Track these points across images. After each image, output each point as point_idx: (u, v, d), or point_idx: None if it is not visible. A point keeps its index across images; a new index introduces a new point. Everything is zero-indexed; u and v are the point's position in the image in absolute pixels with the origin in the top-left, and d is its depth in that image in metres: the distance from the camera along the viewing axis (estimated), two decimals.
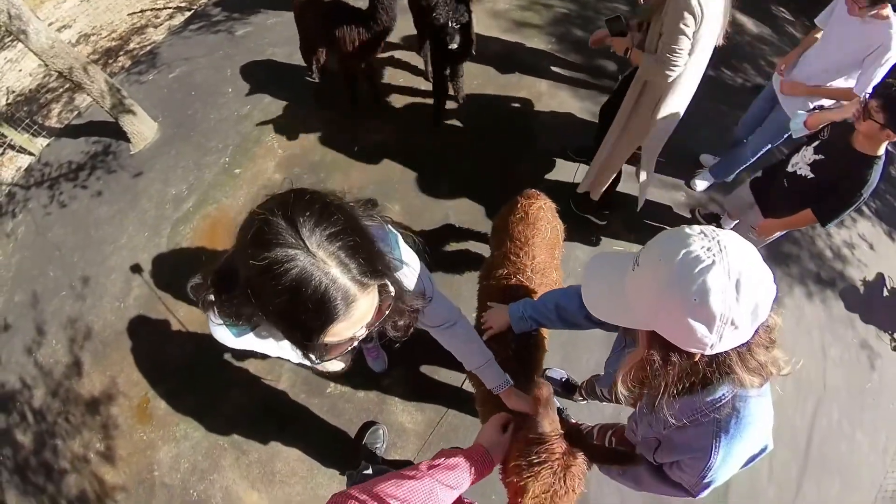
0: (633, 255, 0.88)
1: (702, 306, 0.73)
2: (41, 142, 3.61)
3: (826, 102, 2.42)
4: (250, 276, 0.70)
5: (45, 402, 2.59)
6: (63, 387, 2.62)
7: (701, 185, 3.17)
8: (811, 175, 2.08)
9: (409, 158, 3.24)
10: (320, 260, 0.68)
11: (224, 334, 0.93)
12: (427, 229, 2.93)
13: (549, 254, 1.88)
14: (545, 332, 1.76)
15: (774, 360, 0.86)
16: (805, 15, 4.46)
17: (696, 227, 0.80)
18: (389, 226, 1.04)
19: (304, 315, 0.70)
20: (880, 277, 3.14)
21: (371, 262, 0.74)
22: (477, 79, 3.57)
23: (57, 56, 2.85)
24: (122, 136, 3.34)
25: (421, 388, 2.49)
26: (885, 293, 3.10)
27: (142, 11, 4.25)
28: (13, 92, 4.16)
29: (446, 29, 2.52)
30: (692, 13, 1.78)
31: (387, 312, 0.83)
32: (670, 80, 2.01)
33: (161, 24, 4.15)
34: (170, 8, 4.23)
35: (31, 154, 3.57)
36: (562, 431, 1.11)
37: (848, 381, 2.74)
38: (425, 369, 2.53)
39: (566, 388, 2.45)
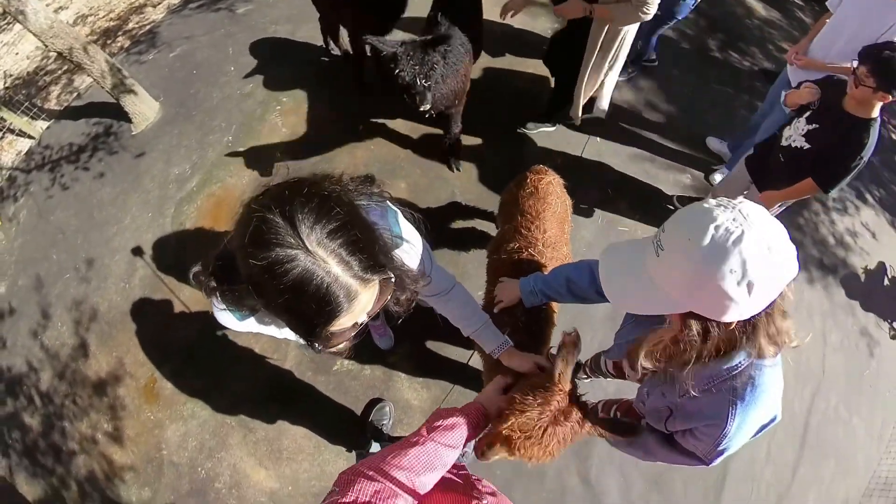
0: (649, 240, 0.87)
1: (742, 276, 0.74)
2: (41, 125, 3.56)
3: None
4: (251, 273, 0.70)
5: (52, 384, 2.59)
6: (70, 369, 2.62)
7: (720, 178, 3.14)
8: (807, 145, 2.07)
9: (414, 136, 3.22)
10: (321, 259, 0.67)
11: (228, 318, 0.94)
12: (433, 207, 2.92)
13: (559, 228, 1.88)
14: (555, 306, 1.76)
15: (787, 329, 0.87)
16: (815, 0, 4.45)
17: (712, 200, 0.80)
18: (388, 202, 1.03)
19: (308, 312, 0.70)
20: (882, 266, 3.17)
21: (373, 256, 0.74)
22: (482, 58, 3.52)
23: (56, 36, 2.81)
24: (123, 116, 3.30)
25: (427, 365, 2.50)
26: (886, 282, 3.13)
27: None
28: (11, 75, 4.11)
29: (414, 88, 2.03)
30: None
31: (388, 299, 0.83)
32: (649, 17, 2.14)
33: (160, 3, 4.07)
34: None
35: (31, 137, 3.53)
36: (569, 390, 1.10)
37: (847, 367, 2.77)
38: (431, 345, 2.53)
39: None
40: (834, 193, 2.11)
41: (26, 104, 3.52)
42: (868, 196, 3.43)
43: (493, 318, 1.42)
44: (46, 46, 2.92)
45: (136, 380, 2.55)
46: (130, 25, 3.96)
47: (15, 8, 2.63)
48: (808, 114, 2.08)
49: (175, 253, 2.84)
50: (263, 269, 0.67)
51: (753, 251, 0.73)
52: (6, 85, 4.04)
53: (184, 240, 2.88)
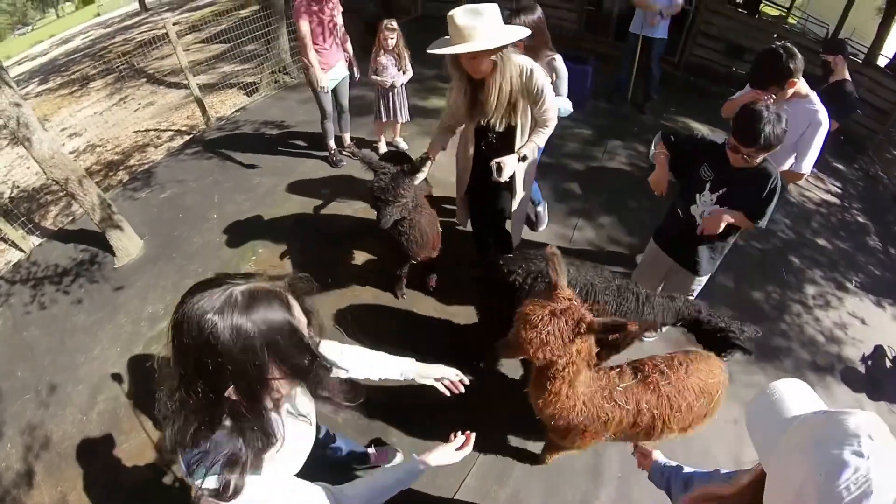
0: (807, 417, 0.79)
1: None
2: (34, 240, 3.83)
3: None
4: (235, 345, 0.79)
5: None
6: (10, 496, 2.52)
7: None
8: (721, 207, 2.15)
9: (384, 289, 3.29)
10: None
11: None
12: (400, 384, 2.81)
13: (698, 398, 1.85)
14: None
15: None
16: None
17: (855, 428, 0.69)
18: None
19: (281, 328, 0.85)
20: (880, 350, 3.06)
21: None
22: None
23: (56, 166, 3.12)
24: (108, 248, 3.57)
25: None
26: (888, 364, 2.99)
27: (146, 131, 4.72)
28: (17, 187, 4.47)
29: None
30: (529, 73, 2.19)
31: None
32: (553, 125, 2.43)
33: (161, 145, 4.57)
34: (171, 130, 4.70)
35: (21, 251, 3.78)
36: (567, 295, 1.41)
37: None
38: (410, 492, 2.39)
39: None
40: (763, 223, 2.11)
41: (24, 218, 3.81)
42: (848, 284, 3.45)
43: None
44: (45, 174, 3.21)
45: None
46: (132, 162, 4.42)
47: (23, 135, 2.97)
48: (708, 185, 2.17)
49: (138, 392, 2.88)
50: (243, 346, 0.78)
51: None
52: (11, 195, 4.38)
53: (149, 380, 2.84)
